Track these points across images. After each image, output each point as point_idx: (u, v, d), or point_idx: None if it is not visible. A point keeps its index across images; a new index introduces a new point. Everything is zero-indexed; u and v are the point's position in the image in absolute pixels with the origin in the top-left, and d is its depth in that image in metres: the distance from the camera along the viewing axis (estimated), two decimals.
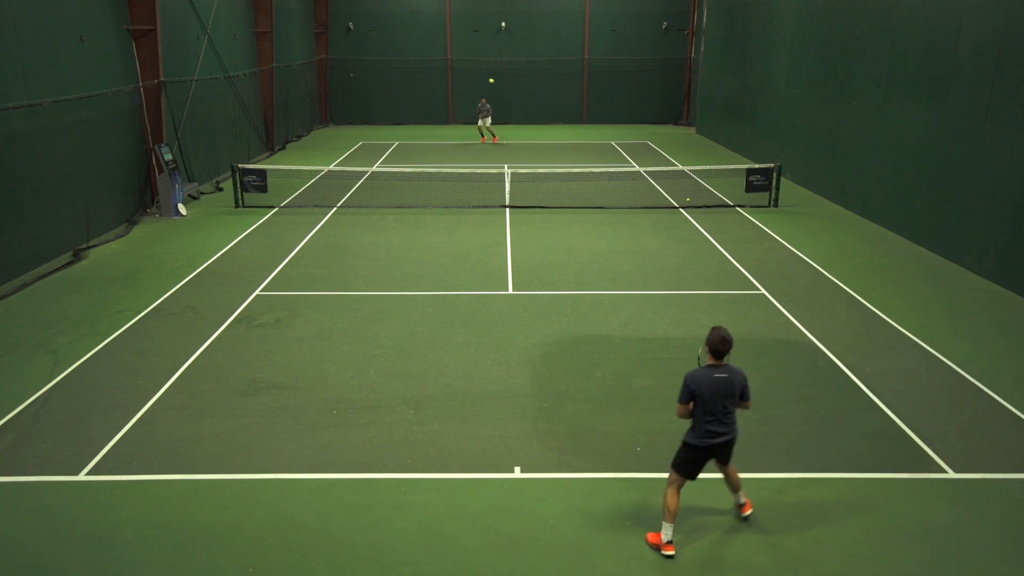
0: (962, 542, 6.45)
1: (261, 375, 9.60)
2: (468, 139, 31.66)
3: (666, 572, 6.14)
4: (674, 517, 6.35)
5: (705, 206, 18.87)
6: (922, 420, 8.44)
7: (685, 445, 6.43)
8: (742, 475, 7.42)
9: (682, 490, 6.50)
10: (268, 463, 7.65)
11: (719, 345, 6.20)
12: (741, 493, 6.77)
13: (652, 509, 6.92)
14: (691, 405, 6.29)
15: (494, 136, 30.92)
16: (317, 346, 10.49)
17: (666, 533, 6.33)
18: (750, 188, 18.94)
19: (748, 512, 6.76)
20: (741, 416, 8.48)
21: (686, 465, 6.42)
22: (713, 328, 6.29)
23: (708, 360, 6.29)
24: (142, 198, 18.20)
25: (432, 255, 14.77)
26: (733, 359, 9.96)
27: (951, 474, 7.45)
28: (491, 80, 32.69)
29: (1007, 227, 12.82)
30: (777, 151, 23.06)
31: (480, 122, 30.34)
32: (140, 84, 18.06)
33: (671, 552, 6.28)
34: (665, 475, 7.44)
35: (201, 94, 21.47)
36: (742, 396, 6.37)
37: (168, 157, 17.97)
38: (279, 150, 28.45)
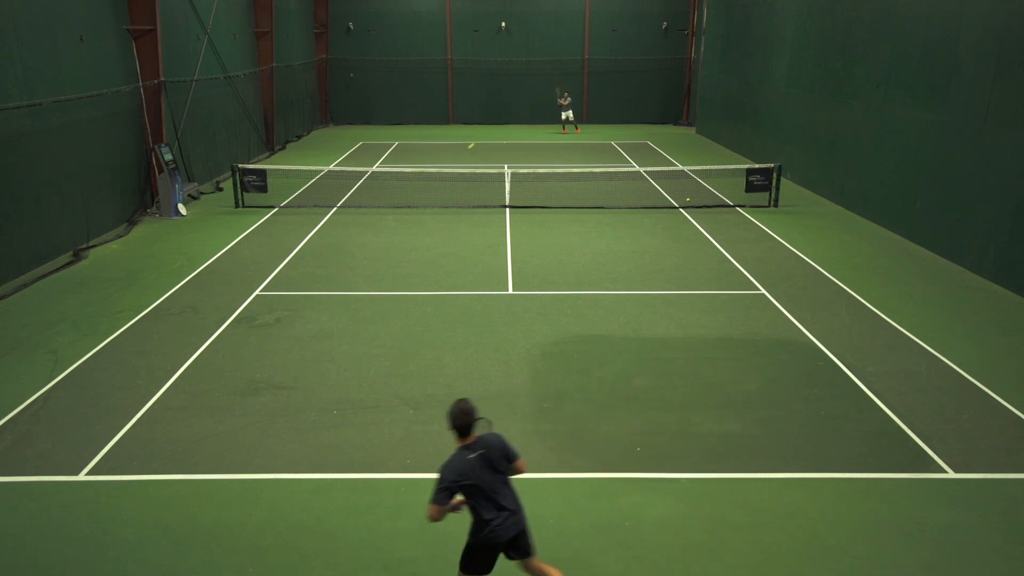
0: (962, 542, 6.45)
1: (261, 375, 9.60)
2: (466, 139, 31.68)
3: (665, 572, 6.14)
4: None
5: (705, 206, 18.86)
6: (922, 420, 8.44)
7: (469, 547, 5.36)
8: (741, 475, 7.43)
9: None
10: (268, 463, 7.65)
11: (460, 419, 5.12)
12: None
13: (652, 509, 6.93)
14: (456, 501, 5.23)
15: (576, 128, 33.42)
16: (317, 346, 10.49)
17: None
18: (750, 188, 18.94)
19: None
20: (742, 418, 8.53)
21: (472, 564, 5.38)
22: (454, 403, 5.23)
23: (457, 443, 5.23)
24: (142, 198, 18.20)
25: (432, 255, 14.77)
26: (731, 361, 10.08)
27: (951, 474, 7.45)
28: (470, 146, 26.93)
29: (1007, 227, 12.82)
30: (777, 151, 23.06)
31: (563, 115, 32.90)
32: (140, 84, 18.05)
33: None
34: (664, 475, 7.46)
35: (201, 94, 21.47)
36: (508, 459, 5.30)
37: (168, 157, 17.96)
38: (279, 150, 28.44)
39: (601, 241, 15.72)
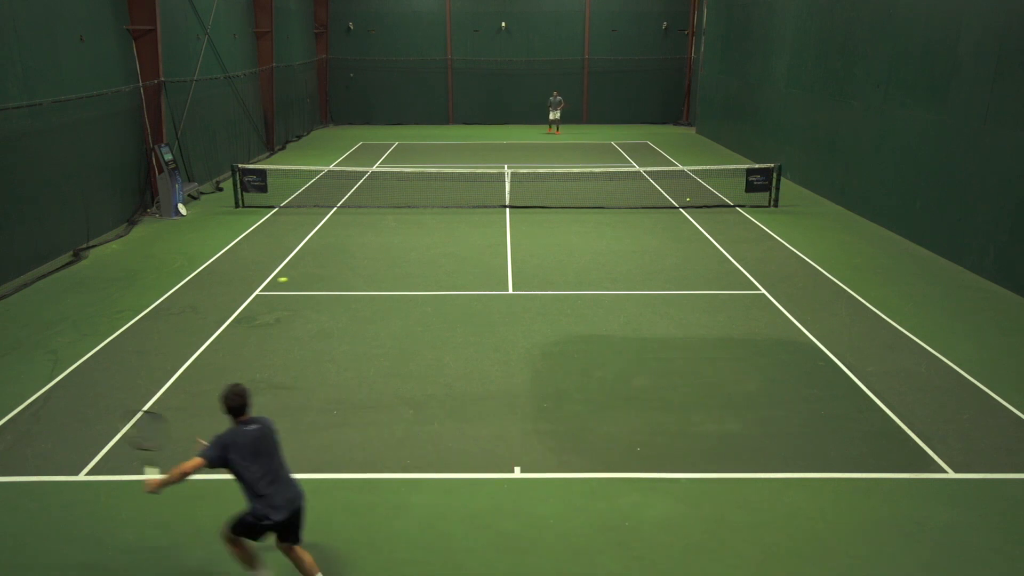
0: (962, 542, 6.45)
1: (261, 375, 9.60)
2: (468, 138, 31.69)
3: (665, 572, 6.14)
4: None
5: (705, 206, 18.86)
6: (922, 420, 8.45)
7: (243, 520, 5.60)
8: (741, 475, 7.44)
9: None
10: None
11: (233, 400, 5.48)
12: None
13: (652, 509, 6.93)
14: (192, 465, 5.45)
15: (556, 129, 33.37)
16: (317, 346, 10.49)
17: None
18: (750, 188, 18.94)
19: None
20: (742, 418, 8.53)
21: (241, 529, 5.66)
22: (227, 387, 5.59)
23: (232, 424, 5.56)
24: (142, 198, 18.19)
25: (432, 255, 14.76)
26: (731, 361, 10.08)
27: (951, 474, 7.45)
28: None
29: (1007, 227, 12.82)
30: (777, 151, 23.06)
31: (551, 115, 32.89)
32: (140, 84, 18.05)
33: None
34: (664, 475, 7.46)
35: (201, 94, 21.47)
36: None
37: (168, 157, 17.97)
38: (279, 150, 28.45)
39: (601, 241, 15.72)
